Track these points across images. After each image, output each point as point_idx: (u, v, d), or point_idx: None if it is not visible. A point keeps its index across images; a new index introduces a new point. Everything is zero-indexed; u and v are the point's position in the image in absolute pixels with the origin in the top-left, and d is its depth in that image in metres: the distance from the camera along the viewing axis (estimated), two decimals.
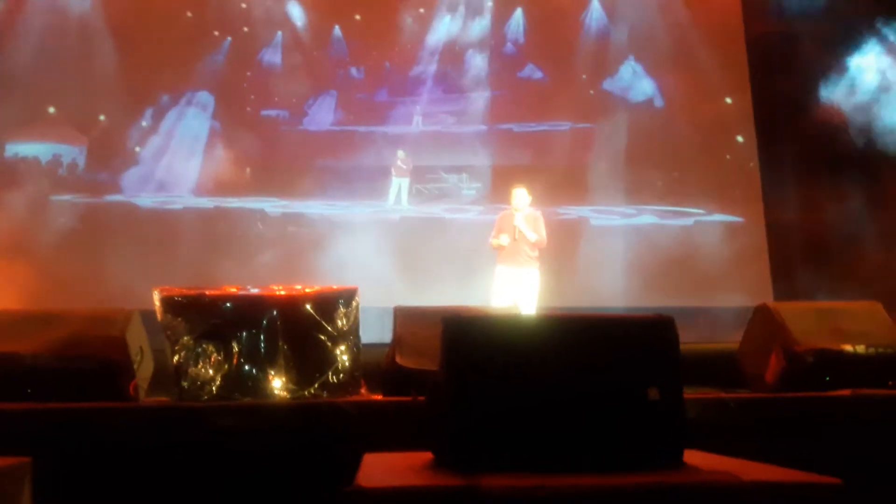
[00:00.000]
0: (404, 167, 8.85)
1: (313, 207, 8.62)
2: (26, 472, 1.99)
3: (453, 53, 9.15)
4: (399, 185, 8.83)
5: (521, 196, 6.35)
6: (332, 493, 1.57)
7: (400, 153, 8.83)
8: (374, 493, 1.51)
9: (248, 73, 9.02)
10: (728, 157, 8.93)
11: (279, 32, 9.08)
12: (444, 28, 9.20)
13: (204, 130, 8.81)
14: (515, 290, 6.22)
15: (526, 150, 8.88)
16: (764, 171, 8.73)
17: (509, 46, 9.27)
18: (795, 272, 8.17)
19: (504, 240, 6.25)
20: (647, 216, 8.70)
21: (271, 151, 8.77)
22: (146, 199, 8.55)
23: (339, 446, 2.65)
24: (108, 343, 3.53)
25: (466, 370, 1.83)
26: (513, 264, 6.27)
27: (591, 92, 9.13)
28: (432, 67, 9.11)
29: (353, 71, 9.11)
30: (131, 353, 3.63)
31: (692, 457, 1.86)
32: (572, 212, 8.70)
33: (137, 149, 8.69)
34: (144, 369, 3.81)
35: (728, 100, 9.04)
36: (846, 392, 3.33)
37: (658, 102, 9.08)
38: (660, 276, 7.98)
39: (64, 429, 2.76)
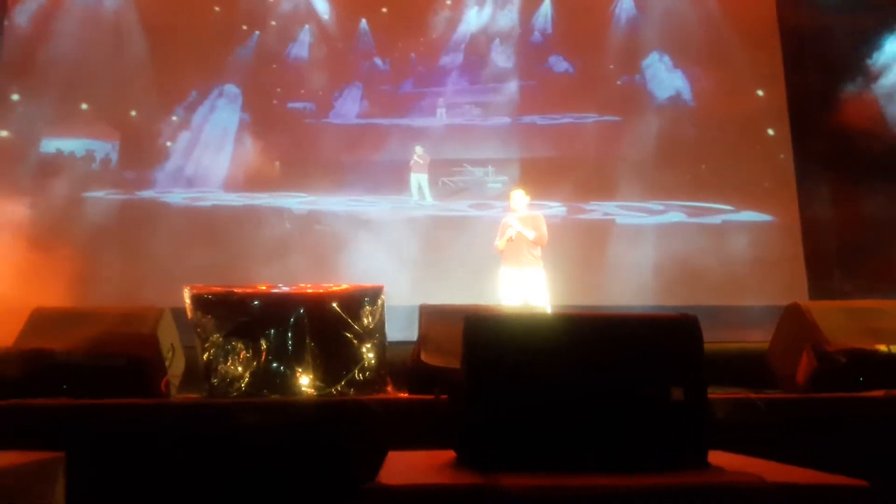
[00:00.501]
0: (421, 162, 8.77)
1: (339, 204, 8.65)
2: (60, 467, 2.04)
3: (480, 44, 9.10)
4: (418, 181, 8.77)
5: (518, 197, 6.48)
6: (355, 489, 1.58)
7: (417, 148, 8.78)
8: (394, 490, 1.52)
9: (275, 66, 9.08)
10: (758, 149, 8.76)
11: (306, 26, 9.15)
12: (471, 19, 9.16)
13: (233, 125, 8.90)
14: (522, 291, 6.25)
15: (552, 142, 8.80)
16: (798, 166, 8.55)
17: (536, 36, 9.19)
18: (832, 272, 7.98)
19: (510, 232, 6.31)
20: (675, 213, 8.58)
21: (298, 145, 8.84)
22: (177, 196, 8.67)
23: (363, 443, 2.67)
24: (139, 340, 3.61)
25: (487, 369, 1.83)
26: (515, 264, 6.33)
27: (619, 84, 9.02)
28: (458, 58, 9.07)
29: (378, 62, 9.12)
30: (163, 350, 3.71)
31: (717, 457, 1.84)
32: (598, 208, 8.62)
33: (168, 143, 8.81)
34: (176, 366, 3.90)
35: (760, 92, 8.87)
36: (879, 393, 3.25)
37: (686, 96, 8.94)
38: (690, 275, 7.85)
39: (97, 424, 2.82)
